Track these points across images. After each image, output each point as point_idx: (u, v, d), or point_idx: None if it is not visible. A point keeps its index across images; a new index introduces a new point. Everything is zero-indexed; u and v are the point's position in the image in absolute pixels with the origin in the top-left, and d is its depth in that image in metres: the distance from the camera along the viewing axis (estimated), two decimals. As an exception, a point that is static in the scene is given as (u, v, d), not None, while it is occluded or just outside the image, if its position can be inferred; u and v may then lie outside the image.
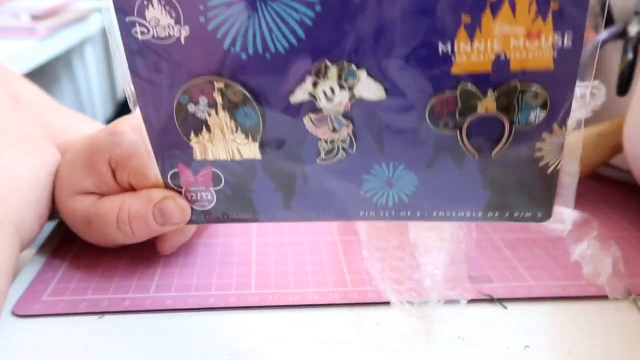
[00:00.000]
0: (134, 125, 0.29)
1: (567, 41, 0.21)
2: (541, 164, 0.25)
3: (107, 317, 0.28)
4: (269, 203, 0.28)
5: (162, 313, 0.28)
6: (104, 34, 1.46)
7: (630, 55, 0.34)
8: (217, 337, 0.26)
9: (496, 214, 0.27)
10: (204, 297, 0.29)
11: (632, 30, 0.33)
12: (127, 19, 0.23)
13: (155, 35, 0.24)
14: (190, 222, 0.29)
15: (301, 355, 0.25)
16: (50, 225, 0.36)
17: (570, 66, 0.22)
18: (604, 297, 0.28)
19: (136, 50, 0.24)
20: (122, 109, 1.39)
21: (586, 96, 0.22)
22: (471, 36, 0.22)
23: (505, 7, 0.21)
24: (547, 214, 0.26)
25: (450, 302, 0.26)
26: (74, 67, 1.37)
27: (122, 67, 0.25)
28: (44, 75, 1.25)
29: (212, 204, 0.29)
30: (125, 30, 0.24)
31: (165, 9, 0.23)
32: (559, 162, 0.25)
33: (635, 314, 0.26)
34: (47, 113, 0.38)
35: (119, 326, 0.27)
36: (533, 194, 0.26)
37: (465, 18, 0.21)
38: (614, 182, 0.41)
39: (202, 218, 0.29)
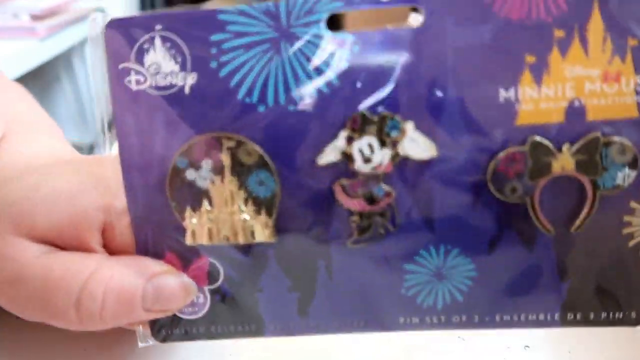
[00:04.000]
0: None
1: (653, 83, 0.18)
2: (632, 243, 0.20)
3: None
4: (280, 307, 0.21)
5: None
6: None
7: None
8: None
9: (578, 316, 0.21)
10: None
11: None
12: (121, 66, 0.19)
13: (154, 84, 0.19)
14: (165, 336, 0.22)
15: (300, 356, 0.24)
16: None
17: (659, 114, 0.18)
18: None
19: (127, 102, 0.20)
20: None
21: None
22: (538, 80, 0.18)
23: (576, 46, 0.18)
24: (643, 314, 0.20)
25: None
26: (74, 67, 1.32)
27: (105, 123, 0.20)
28: (44, 75, 1.18)
29: (204, 311, 0.22)
30: (117, 79, 0.19)
31: (169, 53, 0.19)
32: (653, 241, 0.20)
33: None
34: None
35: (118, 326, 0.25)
36: (623, 285, 0.20)
37: (530, 58, 0.18)
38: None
39: (184, 333, 0.22)
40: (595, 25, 0.18)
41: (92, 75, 0.20)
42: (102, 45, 0.19)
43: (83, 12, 1.28)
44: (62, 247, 0.21)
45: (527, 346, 0.24)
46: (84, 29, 1.34)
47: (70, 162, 0.24)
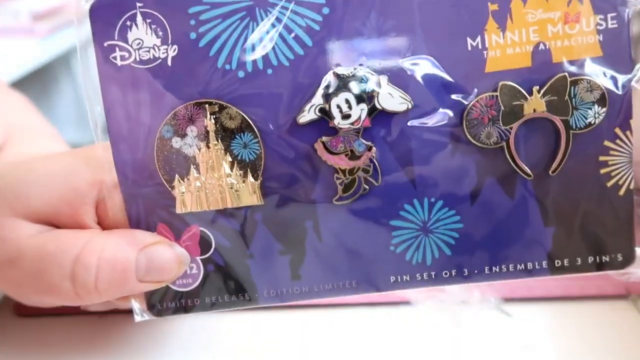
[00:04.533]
0: None
1: (612, 22, 0.19)
2: (610, 183, 0.20)
3: (107, 317, 0.27)
4: (272, 272, 0.22)
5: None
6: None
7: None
8: (218, 338, 0.26)
9: (565, 262, 0.21)
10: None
11: (632, 30, 0.34)
12: (106, 43, 0.20)
13: (138, 58, 0.20)
14: (160, 310, 0.22)
15: (298, 357, 0.25)
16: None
17: (622, 51, 0.19)
18: (604, 297, 0.27)
19: (113, 77, 0.20)
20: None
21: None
22: (502, 27, 0.19)
23: (536, -9, 0.19)
24: (630, 255, 0.21)
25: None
26: (74, 67, 1.28)
27: (94, 101, 0.21)
28: (43, 76, 1.17)
29: (197, 282, 0.22)
30: (103, 55, 0.20)
31: (151, 28, 0.20)
32: (631, 179, 0.20)
33: (634, 314, 0.26)
34: None
35: (118, 326, 0.26)
36: (607, 227, 0.20)
37: (493, 7, 0.19)
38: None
39: (179, 306, 0.22)
40: (552, -29, 0.19)
41: (81, 62, 0.21)
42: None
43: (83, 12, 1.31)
44: (58, 226, 0.22)
45: (527, 346, 0.24)
46: (84, 30, 1.38)
47: (63, 151, 0.25)
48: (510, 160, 0.20)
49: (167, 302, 0.22)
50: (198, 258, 0.22)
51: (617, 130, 0.20)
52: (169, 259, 0.21)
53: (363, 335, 0.25)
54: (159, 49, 0.20)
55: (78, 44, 0.21)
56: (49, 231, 0.21)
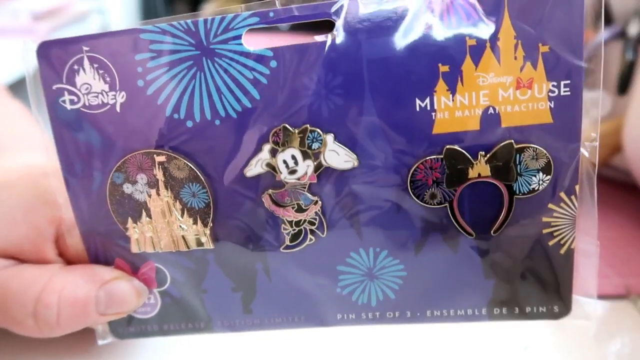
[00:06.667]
0: None
1: (564, 89, 0.18)
2: (552, 242, 0.20)
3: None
4: (225, 306, 0.23)
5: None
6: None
7: (630, 55, 0.34)
8: (218, 339, 0.25)
9: (504, 310, 0.22)
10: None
11: (632, 30, 0.34)
12: (55, 86, 0.20)
13: (87, 103, 0.20)
14: (122, 334, 0.23)
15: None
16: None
17: (572, 119, 0.18)
18: (603, 298, 0.26)
19: (64, 122, 0.20)
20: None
21: (597, 103, 0.19)
22: (452, 89, 0.19)
23: (488, 54, 0.18)
24: (566, 308, 0.21)
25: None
26: None
27: (48, 143, 0.21)
28: None
29: (155, 311, 0.23)
30: (52, 99, 0.20)
31: (98, 73, 0.20)
32: (573, 239, 0.20)
33: (634, 314, 0.26)
34: None
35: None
36: (546, 282, 0.21)
37: (443, 68, 0.18)
38: (614, 182, 0.41)
39: (139, 330, 0.23)
40: (506, 33, 0.18)
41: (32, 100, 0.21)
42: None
43: (83, 12, 1.25)
44: (24, 259, 0.22)
45: (527, 346, 0.24)
46: (84, 30, 1.32)
47: (20, 179, 0.25)
48: (453, 219, 0.20)
49: (129, 327, 0.23)
50: (155, 290, 0.23)
51: (562, 195, 0.20)
52: (128, 293, 0.22)
53: (360, 335, 0.25)
54: (108, 95, 0.20)
55: (28, 79, 0.21)
56: (12, 267, 0.22)
